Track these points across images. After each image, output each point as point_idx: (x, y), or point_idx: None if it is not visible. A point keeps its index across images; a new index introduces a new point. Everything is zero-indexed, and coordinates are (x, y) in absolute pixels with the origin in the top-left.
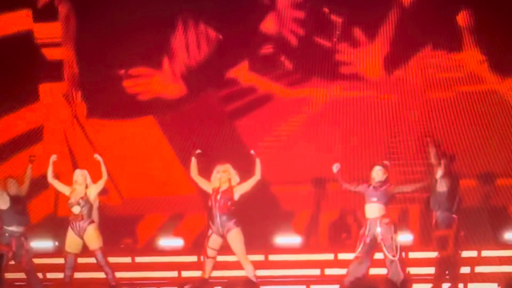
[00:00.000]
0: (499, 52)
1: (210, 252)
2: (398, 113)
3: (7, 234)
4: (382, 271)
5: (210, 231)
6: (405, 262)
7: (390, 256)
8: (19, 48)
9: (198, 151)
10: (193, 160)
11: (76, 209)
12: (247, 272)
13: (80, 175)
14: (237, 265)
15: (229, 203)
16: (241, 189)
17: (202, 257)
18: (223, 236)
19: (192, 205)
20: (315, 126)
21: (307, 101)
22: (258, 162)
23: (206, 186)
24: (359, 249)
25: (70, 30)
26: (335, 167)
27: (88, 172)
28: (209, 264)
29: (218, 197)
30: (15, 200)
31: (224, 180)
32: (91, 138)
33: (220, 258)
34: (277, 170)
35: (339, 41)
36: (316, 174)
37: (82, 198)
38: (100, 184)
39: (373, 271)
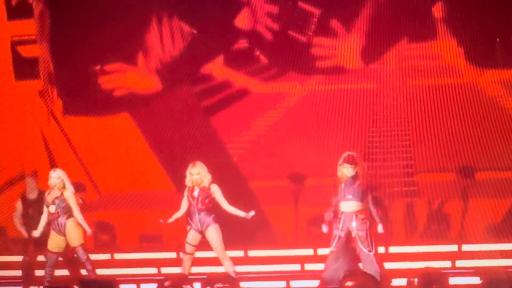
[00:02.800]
0: (476, 45)
1: (188, 248)
2: (375, 105)
3: None
4: None
5: (188, 227)
6: (381, 257)
7: (366, 251)
8: None
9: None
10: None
11: (52, 208)
12: (226, 268)
13: (55, 177)
14: (216, 261)
15: (206, 200)
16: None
17: (180, 254)
18: (201, 233)
19: (169, 201)
20: (292, 121)
21: (283, 95)
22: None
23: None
24: (334, 243)
25: (45, 27)
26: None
27: (64, 172)
28: (187, 260)
29: (195, 194)
30: None
31: (199, 182)
32: (68, 135)
33: (200, 254)
34: (254, 166)
35: (315, 35)
36: (294, 169)
37: (57, 198)
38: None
39: None
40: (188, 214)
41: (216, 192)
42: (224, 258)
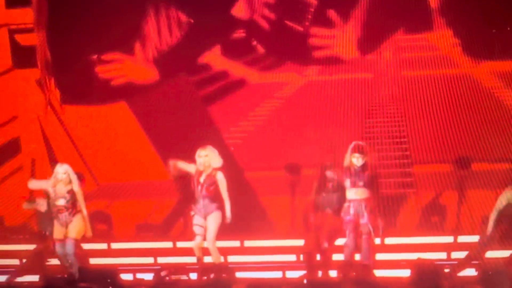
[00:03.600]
0: (473, 36)
1: (198, 229)
2: (372, 96)
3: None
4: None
5: (192, 213)
6: (376, 247)
7: (367, 238)
8: None
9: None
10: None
11: (61, 202)
12: (213, 258)
13: (62, 172)
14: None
15: (211, 188)
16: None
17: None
18: (205, 218)
19: (166, 190)
20: (289, 110)
21: (280, 85)
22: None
23: (190, 168)
24: (347, 229)
25: (43, 16)
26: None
27: (70, 167)
28: (198, 244)
29: (201, 179)
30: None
31: (207, 164)
32: (66, 124)
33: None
34: (251, 156)
35: (312, 25)
36: (290, 160)
37: (68, 192)
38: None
39: None
40: (192, 199)
41: (221, 181)
42: (213, 248)
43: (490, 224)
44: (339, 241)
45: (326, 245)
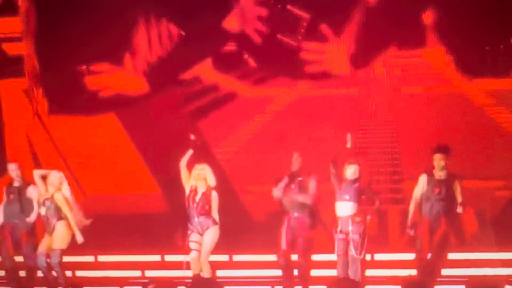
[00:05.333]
0: (465, 54)
1: (193, 245)
2: (363, 111)
3: None
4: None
5: (189, 231)
6: (366, 263)
7: (355, 254)
8: None
9: (192, 137)
10: (189, 152)
11: (42, 211)
12: (204, 272)
13: (56, 178)
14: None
15: (207, 206)
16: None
17: (185, 257)
18: (201, 234)
19: (155, 203)
20: (280, 125)
21: (271, 99)
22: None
23: (186, 180)
24: (336, 248)
25: (31, 25)
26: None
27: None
28: (194, 259)
29: (197, 198)
30: None
31: (201, 177)
32: (53, 134)
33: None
34: (241, 170)
35: (304, 39)
36: (280, 174)
37: (47, 199)
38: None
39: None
40: (188, 217)
41: (214, 199)
42: (206, 262)
43: (410, 213)
44: (330, 257)
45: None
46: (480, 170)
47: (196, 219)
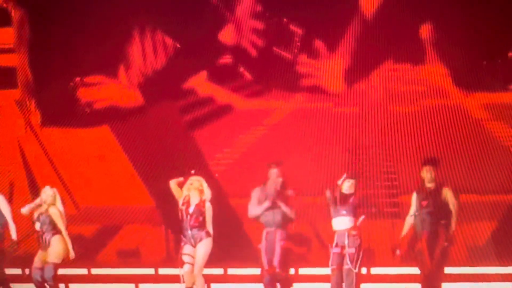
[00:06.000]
0: (463, 67)
1: (187, 258)
2: (360, 124)
3: None
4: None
5: (182, 243)
6: (361, 276)
7: (352, 267)
8: None
9: (193, 171)
10: (181, 178)
11: (37, 225)
12: (198, 286)
13: (49, 195)
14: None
15: (200, 218)
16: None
17: (179, 270)
18: (194, 246)
19: (148, 216)
20: (275, 138)
21: (266, 112)
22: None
23: (178, 195)
24: (331, 261)
25: (24, 36)
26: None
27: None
28: (187, 272)
29: (191, 210)
30: None
31: (195, 187)
32: (46, 146)
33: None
34: (235, 183)
35: (300, 53)
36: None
37: (42, 213)
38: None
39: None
40: (181, 230)
41: (208, 210)
42: (199, 274)
43: (403, 232)
44: (325, 271)
45: None
46: (477, 184)
47: (189, 232)
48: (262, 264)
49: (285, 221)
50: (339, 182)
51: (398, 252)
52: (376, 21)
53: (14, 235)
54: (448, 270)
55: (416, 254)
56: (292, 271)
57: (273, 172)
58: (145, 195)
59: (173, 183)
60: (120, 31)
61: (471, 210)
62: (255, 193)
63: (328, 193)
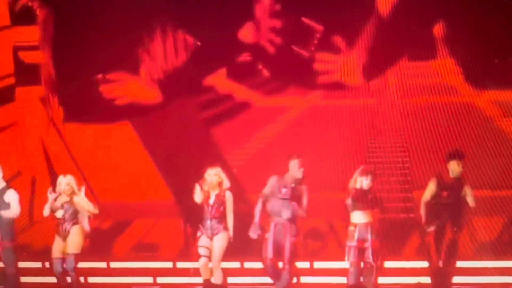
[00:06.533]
0: (475, 65)
1: (203, 251)
2: (374, 121)
3: None
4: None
5: (199, 233)
6: (381, 270)
7: (372, 262)
8: None
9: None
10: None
11: (59, 213)
12: (215, 278)
13: (65, 183)
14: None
15: (221, 208)
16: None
17: (193, 263)
18: (211, 239)
19: (168, 211)
20: (292, 134)
21: (284, 109)
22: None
23: (196, 197)
24: (350, 255)
25: (48, 34)
26: None
27: (73, 178)
28: (203, 265)
29: (211, 201)
30: None
31: (215, 184)
32: (68, 142)
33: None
34: (253, 178)
35: (317, 50)
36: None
37: (66, 202)
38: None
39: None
40: (201, 219)
41: (229, 199)
42: (217, 268)
43: (423, 216)
44: (343, 265)
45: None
46: (488, 180)
47: (208, 222)
48: (264, 253)
49: (295, 215)
50: (355, 176)
51: (431, 228)
52: (391, 18)
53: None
54: (459, 263)
55: (426, 246)
56: (307, 265)
57: (294, 162)
58: (165, 189)
59: (197, 188)
60: (141, 29)
61: (481, 205)
62: (272, 180)
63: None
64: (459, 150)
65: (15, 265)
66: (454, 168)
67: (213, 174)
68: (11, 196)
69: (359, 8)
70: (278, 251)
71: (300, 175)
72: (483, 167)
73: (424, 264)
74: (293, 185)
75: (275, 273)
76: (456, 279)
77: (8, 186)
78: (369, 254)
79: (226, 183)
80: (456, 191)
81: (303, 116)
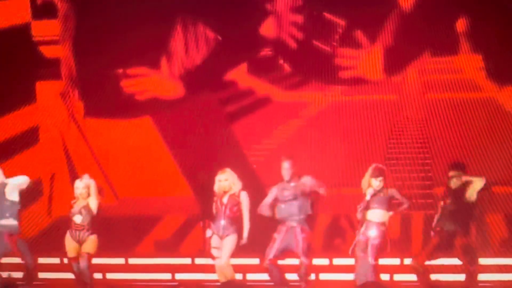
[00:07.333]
0: (497, 60)
1: (215, 252)
2: (395, 117)
3: None
4: None
5: (210, 232)
6: (379, 267)
7: (370, 259)
8: (16, 44)
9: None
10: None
11: (78, 219)
12: (227, 275)
13: (82, 187)
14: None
15: (235, 208)
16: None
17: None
18: (222, 239)
19: (187, 207)
20: (313, 129)
21: (305, 104)
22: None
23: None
24: (354, 247)
25: (69, 28)
26: None
27: (93, 181)
28: (219, 267)
29: (225, 200)
30: None
31: (227, 189)
32: (88, 137)
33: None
34: (273, 173)
35: (339, 45)
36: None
37: (84, 207)
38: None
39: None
40: (213, 219)
41: (244, 201)
42: (227, 266)
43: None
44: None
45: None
46: (510, 176)
47: (221, 222)
48: (267, 252)
49: (303, 215)
50: (367, 177)
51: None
52: (413, 13)
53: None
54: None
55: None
56: (327, 261)
57: (283, 164)
58: (184, 185)
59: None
60: (163, 23)
61: (503, 201)
62: (273, 190)
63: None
64: (458, 161)
65: (32, 256)
66: (453, 181)
67: (224, 180)
68: (14, 181)
69: (380, 3)
70: (284, 252)
71: (287, 177)
72: (503, 163)
73: (442, 261)
74: (292, 184)
75: (274, 274)
76: (482, 277)
77: (6, 182)
78: (368, 250)
79: (238, 185)
80: (460, 197)
81: (324, 111)
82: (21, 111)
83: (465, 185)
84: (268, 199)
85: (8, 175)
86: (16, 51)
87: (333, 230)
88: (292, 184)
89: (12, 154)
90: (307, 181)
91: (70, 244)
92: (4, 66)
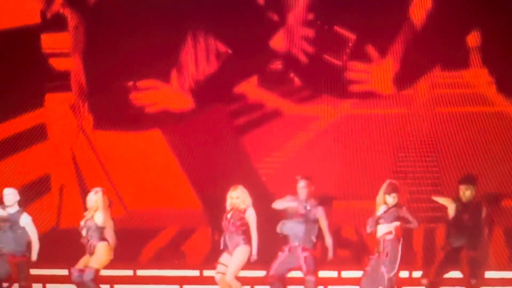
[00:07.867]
0: (508, 74)
1: (220, 267)
2: (406, 130)
3: None
4: None
5: (222, 246)
6: (399, 280)
7: (384, 272)
8: (26, 57)
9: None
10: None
11: (83, 232)
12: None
13: (92, 200)
14: (247, 280)
15: (238, 223)
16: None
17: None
18: (231, 253)
19: (195, 219)
20: (323, 143)
21: (315, 118)
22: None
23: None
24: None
25: (79, 41)
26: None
27: (104, 197)
28: (219, 281)
29: (229, 215)
30: None
31: (237, 206)
32: (97, 149)
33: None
34: (283, 186)
35: (349, 59)
36: (322, 191)
37: (89, 220)
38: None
39: None
40: (223, 235)
41: (251, 217)
42: (232, 280)
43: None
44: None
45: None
46: None
47: (226, 237)
48: (270, 268)
49: (307, 239)
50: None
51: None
52: (424, 27)
53: (34, 256)
54: (488, 274)
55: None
56: (335, 274)
57: (299, 184)
58: (193, 198)
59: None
60: (173, 36)
61: None
62: (288, 197)
63: (378, 203)
64: (470, 175)
65: (27, 280)
66: (464, 193)
67: (235, 197)
68: (25, 220)
69: (391, 17)
70: (285, 271)
71: (303, 196)
72: None
73: (451, 274)
74: (308, 207)
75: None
76: None
77: (22, 211)
78: (383, 264)
79: (247, 201)
80: (476, 214)
81: (334, 125)
82: (30, 123)
83: (475, 199)
84: (283, 204)
85: (17, 187)
86: (26, 64)
87: (341, 242)
88: (308, 207)
89: (22, 167)
90: (318, 212)
91: (83, 259)
92: (15, 79)
